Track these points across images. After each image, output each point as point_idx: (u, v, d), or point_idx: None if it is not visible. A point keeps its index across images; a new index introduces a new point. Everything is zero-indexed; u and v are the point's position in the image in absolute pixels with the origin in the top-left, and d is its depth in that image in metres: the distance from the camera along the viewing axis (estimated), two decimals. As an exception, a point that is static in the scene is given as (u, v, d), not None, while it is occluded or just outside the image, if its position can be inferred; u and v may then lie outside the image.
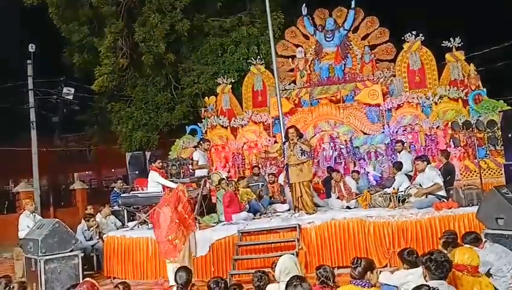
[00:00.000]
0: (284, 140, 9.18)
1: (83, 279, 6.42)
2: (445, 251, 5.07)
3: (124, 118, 17.21)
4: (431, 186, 7.95)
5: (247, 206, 9.18)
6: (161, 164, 9.42)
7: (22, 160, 19.36)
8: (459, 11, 20.58)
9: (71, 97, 19.27)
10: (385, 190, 9.04)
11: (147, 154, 13.26)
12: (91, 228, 9.35)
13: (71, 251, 7.42)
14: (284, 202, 10.04)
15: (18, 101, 18.79)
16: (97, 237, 9.32)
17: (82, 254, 7.69)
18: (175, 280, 4.64)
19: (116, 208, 10.50)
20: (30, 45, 18.12)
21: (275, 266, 4.69)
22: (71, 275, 7.25)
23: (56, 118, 20.51)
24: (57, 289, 6.99)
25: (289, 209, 9.32)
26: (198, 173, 9.91)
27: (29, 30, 20.39)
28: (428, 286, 3.33)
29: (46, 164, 19.71)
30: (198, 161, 10.03)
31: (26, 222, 9.01)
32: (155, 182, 8.69)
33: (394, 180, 9.23)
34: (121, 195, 9.94)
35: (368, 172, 11.05)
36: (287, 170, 9.03)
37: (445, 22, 19.07)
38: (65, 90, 19.02)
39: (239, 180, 10.30)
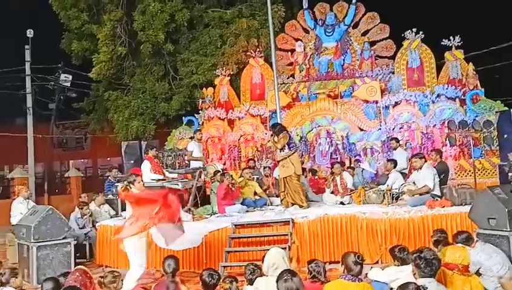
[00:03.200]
0: (272, 134, 9.17)
1: (75, 266, 6.42)
2: (436, 249, 5.11)
3: (121, 107, 17.13)
4: (421, 188, 7.97)
5: (241, 198, 9.20)
6: (156, 153, 9.39)
7: (17, 146, 19.30)
8: (459, 10, 20.59)
9: (68, 84, 19.16)
10: (379, 186, 9.05)
11: (143, 143, 13.27)
12: (85, 216, 9.33)
13: (64, 238, 7.41)
14: (278, 196, 10.04)
15: (15, 86, 18.70)
16: (90, 226, 9.31)
17: (75, 242, 7.69)
18: (164, 269, 4.65)
19: (110, 196, 10.48)
20: (28, 30, 18.00)
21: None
22: (63, 262, 7.25)
23: (53, 105, 20.36)
24: (49, 275, 6.98)
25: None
26: (194, 164, 9.90)
27: (28, 15, 20.27)
28: (415, 283, 3.34)
29: (42, 151, 19.63)
30: (192, 152, 10.02)
31: (20, 209, 8.99)
32: (145, 172, 8.68)
33: (388, 177, 9.24)
34: (116, 184, 9.91)
35: (363, 169, 11.05)
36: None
37: (445, 20, 19.11)
38: (62, 76, 18.90)
39: (243, 171, 10.25)
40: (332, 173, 9.76)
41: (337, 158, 11.99)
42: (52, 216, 7.37)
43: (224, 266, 7.02)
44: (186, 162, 11.73)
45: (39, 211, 7.55)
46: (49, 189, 19.42)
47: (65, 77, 18.91)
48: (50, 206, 7.70)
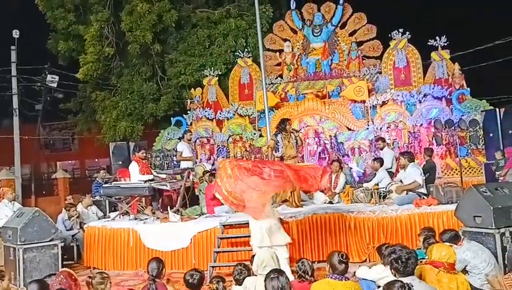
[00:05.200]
0: (276, 132, 8.95)
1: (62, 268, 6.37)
2: (423, 247, 5.17)
3: (108, 108, 17.01)
4: (411, 183, 8.04)
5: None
6: (144, 154, 9.36)
7: (3, 147, 19.04)
8: (445, 11, 20.82)
9: (55, 85, 18.95)
10: (364, 185, 9.09)
11: (131, 144, 13.19)
12: (72, 218, 9.28)
13: (51, 240, 7.35)
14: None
15: (1, 87, 18.46)
16: (78, 227, 9.25)
17: (62, 244, 7.61)
18: (148, 271, 4.65)
19: (98, 198, 10.43)
20: (14, 30, 17.78)
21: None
22: (50, 264, 7.18)
23: (39, 106, 20.15)
24: (36, 278, 6.91)
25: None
26: (184, 164, 9.87)
27: (14, 16, 20.06)
28: (401, 281, 3.36)
29: (29, 152, 19.42)
30: (182, 152, 10.00)
31: (5, 211, 8.89)
32: (133, 173, 8.66)
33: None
34: (103, 185, 9.86)
35: (351, 168, 11.11)
36: None
37: (432, 21, 19.31)
38: (49, 77, 18.69)
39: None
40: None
41: (325, 158, 12.04)
42: (39, 218, 7.30)
43: (213, 267, 7.03)
44: (175, 162, 11.69)
45: (26, 213, 7.47)
46: (36, 191, 19.19)
47: (52, 77, 18.71)
48: (37, 208, 7.63)
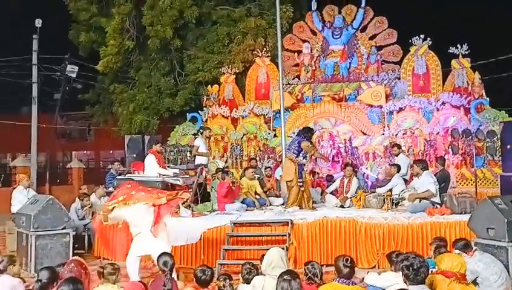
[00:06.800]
0: (303, 137, 8.99)
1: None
2: (434, 258, 5.12)
3: (126, 100, 17.16)
4: (424, 192, 7.97)
5: (241, 197, 9.21)
6: (161, 148, 9.41)
7: (21, 134, 19.36)
8: (468, 18, 20.56)
9: (74, 75, 19.17)
10: (377, 190, 9.02)
11: (146, 138, 13.27)
12: (85, 208, 9.37)
13: (63, 228, 7.43)
14: (279, 196, 10.06)
15: (21, 75, 18.75)
16: (90, 217, 9.33)
17: (74, 233, 7.70)
18: (159, 266, 4.67)
19: (111, 189, 10.50)
20: (37, 19, 18.05)
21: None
22: (61, 252, 7.26)
23: (58, 95, 20.37)
24: (46, 265, 7.00)
25: (283, 204, 9.33)
26: (198, 160, 9.88)
27: (37, 5, 20.34)
28: (410, 291, 3.34)
29: (45, 140, 19.67)
30: (199, 147, 9.99)
31: (20, 197, 8.99)
32: (151, 166, 8.69)
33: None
34: (117, 177, 9.94)
35: (364, 173, 11.04)
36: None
37: (453, 28, 19.07)
38: (68, 67, 18.92)
39: (245, 171, 10.23)
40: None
41: (339, 161, 11.98)
42: (53, 206, 7.40)
43: (221, 264, 7.04)
44: (188, 158, 11.74)
45: (40, 200, 7.57)
46: (51, 179, 19.47)
47: (71, 68, 18.93)
48: (51, 196, 7.72)
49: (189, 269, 7.13)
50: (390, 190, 8.77)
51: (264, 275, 4.58)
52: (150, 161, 8.77)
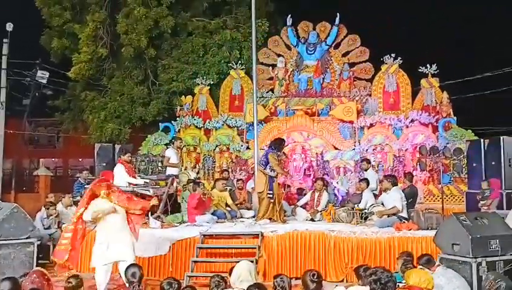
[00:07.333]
0: (272, 149, 9.13)
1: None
2: (401, 272, 5.20)
3: (97, 108, 16.90)
4: (391, 208, 8.12)
5: (212, 209, 9.16)
6: (130, 158, 9.30)
7: (-13, 140, 18.79)
8: (438, 39, 21.22)
9: (44, 81, 18.75)
10: (347, 205, 9.13)
11: (117, 147, 13.07)
12: (51, 217, 9.15)
13: (27, 237, 7.21)
14: (250, 208, 10.05)
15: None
16: (56, 227, 9.13)
17: (39, 242, 7.48)
18: (127, 278, 4.60)
19: (78, 198, 10.27)
20: (8, 23, 17.66)
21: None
22: (24, 262, 7.01)
23: (27, 101, 19.91)
24: (9, 275, 6.78)
25: (254, 216, 9.33)
26: (169, 171, 9.82)
27: (8, 9, 19.91)
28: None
29: (12, 147, 19.18)
30: (170, 158, 9.93)
31: (-17, 205, 8.73)
32: (120, 176, 8.58)
33: (361, 196, 9.32)
34: (85, 186, 9.75)
35: (335, 187, 11.17)
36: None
37: (424, 48, 19.63)
38: (39, 73, 18.52)
39: (216, 182, 10.19)
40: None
41: (310, 175, 12.08)
42: (17, 215, 7.16)
43: (190, 276, 6.98)
44: (160, 168, 11.62)
45: (4, 208, 7.32)
46: (17, 186, 18.91)
47: (42, 73, 18.53)
48: (16, 204, 7.48)
49: (157, 282, 7.04)
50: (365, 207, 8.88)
51: (233, 288, 4.55)
52: (119, 170, 8.67)
